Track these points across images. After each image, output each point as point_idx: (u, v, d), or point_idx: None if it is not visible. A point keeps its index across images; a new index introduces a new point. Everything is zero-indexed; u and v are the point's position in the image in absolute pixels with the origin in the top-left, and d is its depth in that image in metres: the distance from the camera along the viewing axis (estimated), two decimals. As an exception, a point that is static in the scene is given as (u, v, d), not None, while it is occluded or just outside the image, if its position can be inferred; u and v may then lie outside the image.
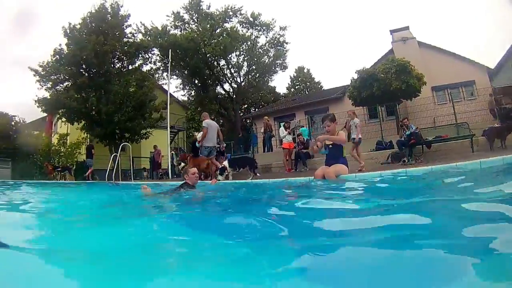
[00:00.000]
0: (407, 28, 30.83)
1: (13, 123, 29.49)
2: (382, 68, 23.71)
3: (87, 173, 22.86)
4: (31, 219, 4.36)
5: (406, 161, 14.48)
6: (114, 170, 17.56)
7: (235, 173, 13.38)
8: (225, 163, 12.66)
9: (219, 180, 11.35)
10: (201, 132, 14.64)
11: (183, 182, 8.41)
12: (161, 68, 34.76)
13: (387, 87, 22.83)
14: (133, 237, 2.85)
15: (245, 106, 55.09)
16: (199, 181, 9.13)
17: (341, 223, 2.91)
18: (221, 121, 49.35)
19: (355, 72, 25.61)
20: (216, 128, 14.88)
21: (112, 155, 18.76)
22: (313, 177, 8.61)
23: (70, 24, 26.43)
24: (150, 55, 33.56)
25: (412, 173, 8.20)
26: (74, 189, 15.34)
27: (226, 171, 12.30)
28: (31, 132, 30.52)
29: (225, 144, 17.90)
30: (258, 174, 12.87)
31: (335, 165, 8.28)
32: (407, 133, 16.04)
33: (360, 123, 15.77)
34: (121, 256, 2.15)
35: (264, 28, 40.40)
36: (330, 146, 8.62)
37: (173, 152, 26.12)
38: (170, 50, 28.08)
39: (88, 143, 26.26)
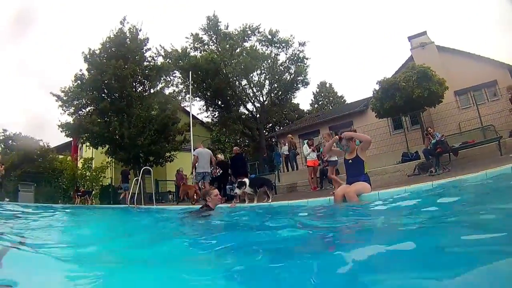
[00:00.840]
0: (424, 33, 30.05)
1: (37, 147, 29.53)
2: (403, 77, 22.98)
3: (122, 196, 22.83)
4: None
5: (434, 171, 13.64)
6: (136, 194, 17.41)
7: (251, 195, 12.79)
8: (246, 180, 12.15)
9: (235, 193, 10.96)
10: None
11: (203, 204, 8.09)
12: (184, 90, 34.74)
13: (409, 96, 22.11)
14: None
15: (270, 125, 54.27)
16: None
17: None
18: (247, 141, 49.21)
19: (377, 83, 24.95)
20: (208, 155, 16.57)
21: (134, 179, 18.47)
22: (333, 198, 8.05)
23: (90, 49, 26.54)
24: (171, 77, 34.09)
25: (439, 186, 7.33)
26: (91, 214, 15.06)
27: (244, 186, 11.73)
28: (56, 156, 30.73)
29: (220, 170, 17.44)
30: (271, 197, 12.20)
31: (355, 184, 7.79)
32: (432, 142, 15.31)
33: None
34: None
35: (283, 45, 39.89)
36: (350, 161, 8.18)
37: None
38: (190, 72, 28.15)
39: (123, 168, 26.12)
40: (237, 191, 11.30)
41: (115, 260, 3.34)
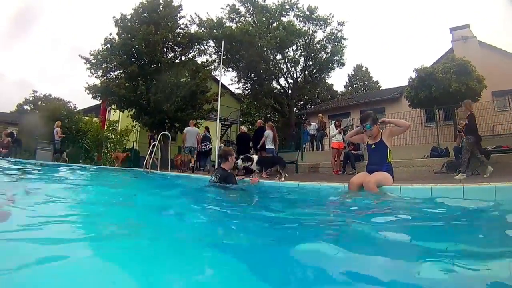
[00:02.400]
0: (467, 26, 28.33)
1: (63, 108, 29.51)
2: (441, 68, 21.77)
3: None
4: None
5: (462, 171, 12.97)
6: (152, 158, 17.30)
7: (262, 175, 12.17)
8: (255, 156, 11.41)
9: (236, 163, 10.31)
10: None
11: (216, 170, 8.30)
12: (217, 60, 34.04)
13: (446, 88, 20.82)
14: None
15: (301, 102, 53.49)
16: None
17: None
18: (277, 117, 48.59)
19: (413, 71, 23.62)
20: (195, 133, 19.42)
21: (152, 144, 18.10)
22: (348, 185, 6.82)
23: (121, 14, 26.32)
24: (206, 47, 33.52)
25: (471, 191, 5.57)
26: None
27: (250, 162, 11.08)
28: (81, 117, 30.62)
29: (210, 145, 19.74)
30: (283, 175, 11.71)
31: (377, 173, 6.48)
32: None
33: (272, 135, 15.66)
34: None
35: (321, 22, 38.33)
36: (373, 146, 6.85)
37: (222, 144, 25.61)
38: (223, 41, 27.25)
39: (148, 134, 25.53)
40: (239, 162, 10.57)
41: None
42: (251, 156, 10.87)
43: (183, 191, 8.48)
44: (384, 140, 6.78)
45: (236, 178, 8.50)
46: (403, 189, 6.20)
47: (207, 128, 21.89)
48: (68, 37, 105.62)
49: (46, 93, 32.18)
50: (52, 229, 2.89)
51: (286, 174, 11.47)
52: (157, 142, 17.65)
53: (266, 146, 16.11)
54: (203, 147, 19.35)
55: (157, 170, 17.74)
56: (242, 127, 19.07)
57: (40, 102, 30.82)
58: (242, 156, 10.47)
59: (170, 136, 19.50)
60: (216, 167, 17.90)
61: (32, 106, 31.31)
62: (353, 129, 22.67)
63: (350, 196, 6.29)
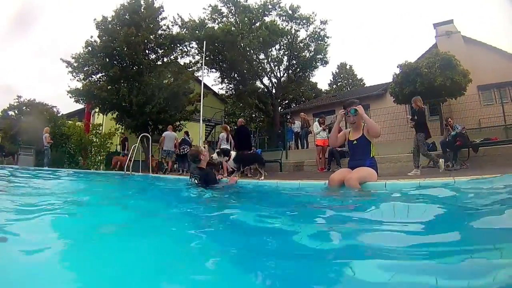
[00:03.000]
0: (451, 21, 28.52)
1: (45, 112, 29.21)
2: (425, 62, 21.70)
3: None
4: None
5: (451, 165, 12.34)
6: (132, 160, 16.91)
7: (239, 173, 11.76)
8: (233, 153, 10.94)
9: (211, 157, 10.02)
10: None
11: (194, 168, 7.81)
12: (200, 61, 33.73)
13: (431, 83, 20.82)
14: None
15: (286, 102, 53.14)
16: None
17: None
18: (262, 116, 48.43)
19: (397, 67, 23.61)
20: (173, 137, 20.45)
21: (132, 146, 17.71)
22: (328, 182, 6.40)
23: (103, 16, 25.95)
24: (188, 48, 33.36)
25: (463, 185, 5.26)
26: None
27: (226, 157, 10.57)
28: (64, 121, 30.18)
29: (186, 148, 19.56)
30: (263, 174, 11.27)
31: (359, 169, 6.08)
32: (452, 133, 13.88)
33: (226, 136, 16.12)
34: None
35: (304, 21, 38.39)
36: (355, 142, 6.43)
37: (205, 145, 25.54)
38: (205, 41, 27.15)
39: (122, 136, 25.68)
40: (214, 155, 10.05)
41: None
42: (226, 149, 10.38)
43: (165, 193, 8.22)
44: (365, 135, 6.35)
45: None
46: (389, 184, 5.77)
47: (186, 132, 22.59)
48: (53, 42, 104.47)
49: (31, 98, 31.57)
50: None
51: (265, 173, 11.16)
52: (137, 144, 17.36)
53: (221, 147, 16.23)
54: (181, 150, 19.89)
55: (138, 172, 17.58)
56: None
57: (24, 108, 30.27)
58: (217, 150, 10.02)
59: (150, 137, 19.07)
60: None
61: (16, 111, 30.85)
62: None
63: (330, 194, 6.00)
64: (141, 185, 12.07)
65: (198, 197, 6.32)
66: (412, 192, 4.98)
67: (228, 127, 18.10)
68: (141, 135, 18.53)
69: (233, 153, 10.59)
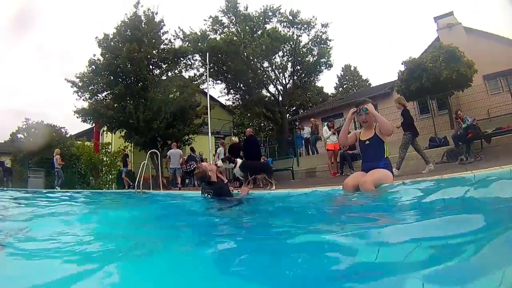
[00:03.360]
0: (451, 13, 28.17)
1: (54, 134, 29.20)
2: (429, 57, 21.40)
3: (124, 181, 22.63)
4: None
5: (465, 159, 11.96)
6: (142, 178, 16.35)
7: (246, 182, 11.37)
8: (239, 160, 10.51)
9: (216, 164, 9.47)
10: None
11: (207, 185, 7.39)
12: (204, 73, 33.62)
13: (437, 77, 20.49)
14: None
15: (293, 108, 52.86)
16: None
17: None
18: (271, 125, 48.14)
19: (402, 64, 23.28)
20: (178, 155, 21.08)
21: (142, 163, 17.26)
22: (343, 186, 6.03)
23: (104, 34, 25.90)
24: (192, 61, 32.90)
25: (483, 177, 4.76)
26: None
27: (232, 164, 10.17)
28: (73, 142, 30.15)
29: (193, 164, 20.40)
30: (273, 184, 10.86)
31: (373, 172, 5.64)
32: (463, 126, 13.44)
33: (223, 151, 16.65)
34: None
35: (305, 26, 37.95)
36: (367, 142, 5.99)
37: (222, 147, 25.53)
38: (207, 53, 27.14)
39: (123, 153, 25.41)
40: (218, 163, 9.63)
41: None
42: (232, 158, 9.93)
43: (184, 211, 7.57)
44: (378, 134, 5.94)
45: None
46: (408, 183, 5.40)
47: (191, 149, 23.78)
48: (58, 62, 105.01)
49: (39, 120, 31.49)
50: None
51: (275, 182, 10.66)
52: (146, 161, 16.87)
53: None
54: (187, 167, 20.96)
55: (150, 189, 17.19)
56: (233, 138, 18.32)
57: (33, 130, 30.19)
58: (222, 157, 9.68)
59: (159, 153, 18.83)
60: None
61: (25, 134, 30.72)
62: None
63: (345, 198, 5.70)
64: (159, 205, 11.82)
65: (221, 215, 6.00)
66: (431, 190, 4.53)
67: (225, 142, 20.30)
68: (150, 151, 18.26)
69: (238, 161, 10.23)
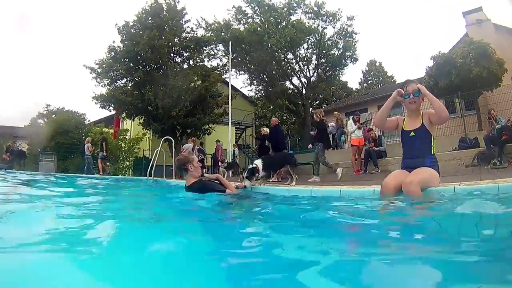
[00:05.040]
0: (480, 9, 26.44)
1: (73, 120, 29.14)
2: (459, 52, 19.98)
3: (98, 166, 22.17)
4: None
5: (498, 163, 10.99)
6: (154, 166, 16.06)
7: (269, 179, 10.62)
8: (258, 162, 8.81)
9: (245, 186, 7.62)
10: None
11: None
12: (228, 63, 33.10)
13: (466, 74, 19.08)
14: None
15: (317, 102, 51.42)
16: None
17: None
18: (293, 118, 47.56)
19: (430, 58, 21.80)
20: (190, 148, 20.50)
21: (155, 150, 16.79)
22: (379, 188, 4.63)
23: (125, 21, 25.62)
24: (215, 51, 32.67)
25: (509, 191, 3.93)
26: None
27: (257, 174, 8.60)
28: (91, 128, 29.83)
29: (202, 156, 22.05)
30: (294, 179, 9.49)
31: (419, 170, 4.41)
32: (497, 127, 12.40)
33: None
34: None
35: (330, 18, 36.92)
36: (412, 133, 4.71)
37: (235, 149, 24.99)
38: (230, 42, 26.60)
39: (101, 136, 24.42)
40: (246, 184, 8.10)
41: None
42: (254, 166, 8.28)
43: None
44: (426, 124, 4.67)
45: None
46: (460, 190, 4.27)
47: (201, 143, 25.38)
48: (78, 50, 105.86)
49: (60, 107, 31.34)
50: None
51: (296, 177, 9.39)
52: (159, 148, 16.42)
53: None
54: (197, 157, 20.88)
55: (163, 177, 16.77)
56: (264, 128, 17.48)
57: (53, 116, 30.06)
58: (245, 174, 8.21)
59: (173, 141, 18.19)
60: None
61: (46, 119, 30.72)
62: (371, 123, 21.35)
63: (386, 205, 4.22)
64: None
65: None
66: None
67: (195, 139, 22.03)
68: (164, 138, 17.87)
69: (258, 162, 8.55)
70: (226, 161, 10.38)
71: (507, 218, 2.83)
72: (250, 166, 8.15)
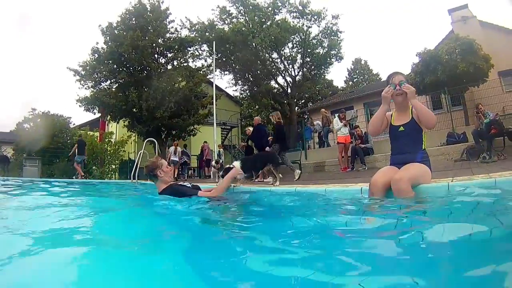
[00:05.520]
0: (466, 6, 26.73)
1: (57, 124, 28.80)
2: (445, 49, 20.13)
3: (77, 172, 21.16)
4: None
5: (487, 157, 10.91)
6: (137, 168, 15.60)
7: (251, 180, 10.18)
8: (237, 163, 7.87)
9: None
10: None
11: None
12: (212, 64, 32.92)
13: (453, 70, 19.20)
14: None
15: (302, 101, 51.96)
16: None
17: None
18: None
19: (416, 55, 21.92)
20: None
21: (139, 152, 16.46)
22: (367, 185, 4.29)
23: (108, 22, 25.39)
24: (200, 51, 32.62)
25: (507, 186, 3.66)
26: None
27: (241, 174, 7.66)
28: (76, 131, 29.40)
29: (185, 158, 24.76)
30: (277, 179, 8.64)
31: (409, 166, 4.09)
32: (485, 121, 12.37)
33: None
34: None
35: (315, 17, 36.56)
36: (401, 128, 4.39)
37: (220, 149, 24.86)
38: (214, 42, 26.26)
39: (78, 138, 23.66)
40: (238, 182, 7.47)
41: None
42: (231, 167, 7.45)
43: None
44: (416, 119, 4.33)
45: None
46: (453, 186, 3.95)
47: (185, 145, 26.44)
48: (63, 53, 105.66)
49: (45, 110, 30.99)
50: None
51: (280, 176, 8.78)
52: (142, 150, 16.12)
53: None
54: (180, 160, 23.86)
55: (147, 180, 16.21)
56: (250, 128, 17.15)
57: (39, 120, 29.74)
58: (221, 173, 7.55)
59: (156, 142, 17.89)
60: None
61: (31, 124, 30.31)
62: (357, 121, 21.29)
63: (375, 207, 3.74)
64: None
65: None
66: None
67: (177, 142, 23.46)
68: (147, 139, 17.53)
69: (236, 164, 7.55)
70: (221, 161, 9.61)
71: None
72: (227, 166, 7.58)
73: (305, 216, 3.73)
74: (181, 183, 6.52)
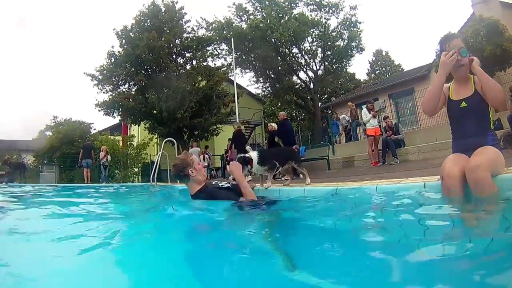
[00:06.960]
0: (486, -14, 25.30)
1: (78, 129, 28.73)
2: (470, 31, 18.49)
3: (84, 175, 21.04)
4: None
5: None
6: (156, 170, 15.20)
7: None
8: (254, 154, 6.86)
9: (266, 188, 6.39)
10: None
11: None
12: (232, 62, 32.38)
13: (479, 54, 17.89)
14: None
15: (325, 96, 50.94)
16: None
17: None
18: (302, 114, 47.13)
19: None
20: (197, 152, 20.79)
21: (157, 154, 16.10)
22: (440, 179, 3.16)
23: (123, 26, 25.19)
24: (219, 50, 32.43)
25: None
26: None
27: (249, 166, 6.58)
28: (96, 136, 29.13)
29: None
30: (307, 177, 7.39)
31: (482, 150, 3.09)
32: None
33: None
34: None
35: (333, 9, 35.84)
36: (463, 104, 3.32)
37: (247, 147, 24.53)
38: (232, 39, 25.93)
39: (86, 142, 23.88)
40: (268, 185, 6.60)
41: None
42: (246, 156, 6.46)
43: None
44: (480, 92, 3.24)
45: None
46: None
47: (206, 147, 25.57)
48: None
49: (67, 118, 30.98)
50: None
51: (308, 173, 7.69)
52: (161, 151, 15.79)
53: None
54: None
55: (168, 182, 15.75)
56: (273, 124, 16.41)
57: (61, 127, 29.67)
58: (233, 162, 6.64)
59: (175, 142, 17.44)
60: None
61: (53, 131, 30.31)
62: (385, 111, 20.42)
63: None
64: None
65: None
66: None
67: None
68: (164, 140, 17.25)
69: (253, 155, 6.55)
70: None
71: None
72: (242, 155, 6.68)
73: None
74: (217, 181, 5.82)
